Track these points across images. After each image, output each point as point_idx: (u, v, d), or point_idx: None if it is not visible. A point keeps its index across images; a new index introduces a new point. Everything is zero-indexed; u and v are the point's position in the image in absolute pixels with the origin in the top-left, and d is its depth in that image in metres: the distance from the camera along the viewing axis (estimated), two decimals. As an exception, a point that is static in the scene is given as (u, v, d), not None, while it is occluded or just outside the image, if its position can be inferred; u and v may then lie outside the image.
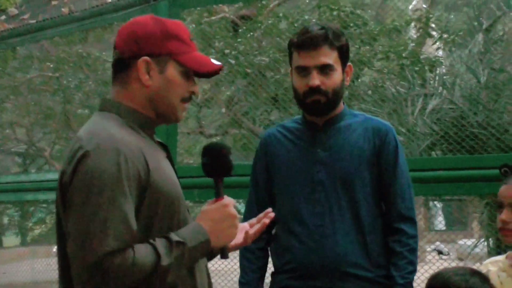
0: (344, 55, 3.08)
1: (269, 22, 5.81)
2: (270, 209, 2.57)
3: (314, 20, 5.85)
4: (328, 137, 3.11)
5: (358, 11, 5.89)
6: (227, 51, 5.54)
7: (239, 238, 2.46)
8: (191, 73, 2.31)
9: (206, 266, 2.36)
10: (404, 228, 3.06)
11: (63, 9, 5.95)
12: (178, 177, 2.33)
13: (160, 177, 2.20)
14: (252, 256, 3.22)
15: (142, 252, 2.09)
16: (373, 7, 7.46)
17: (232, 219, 2.27)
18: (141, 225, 2.14)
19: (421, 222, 12.19)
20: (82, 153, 2.12)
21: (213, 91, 6.07)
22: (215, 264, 7.47)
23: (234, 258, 3.99)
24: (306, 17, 6.14)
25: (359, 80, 5.50)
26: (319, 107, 3.06)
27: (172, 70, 2.29)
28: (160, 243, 2.12)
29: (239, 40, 5.76)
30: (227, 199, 2.30)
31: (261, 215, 2.55)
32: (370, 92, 5.49)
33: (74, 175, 2.12)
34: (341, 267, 3.01)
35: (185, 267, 2.18)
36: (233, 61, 5.30)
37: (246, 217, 3.16)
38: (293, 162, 3.13)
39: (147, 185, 2.16)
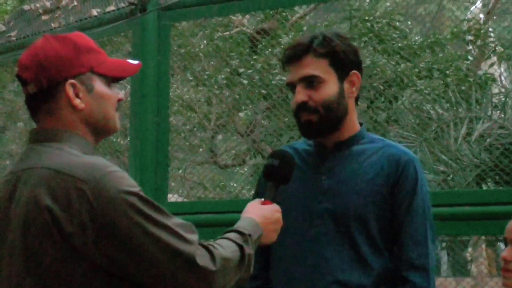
0: (340, 62, 2.68)
1: (291, 36, 5.08)
2: None
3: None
4: (335, 163, 2.73)
5: (397, 23, 5.12)
6: (241, 70, 4.86)
7: None
8: (111, 80, 2.25)
9: None
10: (413, 279, 2.64)
11: (52, 24, 5.34)
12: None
13: None
14: None
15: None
16: (428, 18, 6.62)
17: (279, 225, 2.39)
18: None
19: (482, 266, 11.06)
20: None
21: (227, 115, 5.33)
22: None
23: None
24: (335, 30, 5.32)
25: (398, 102, 4.74)
26: (312, 127, 2.68)
27: (99, 85, 2.23)
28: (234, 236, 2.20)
29: (254, 57, 5.05)
30: (277, 205, 2.40)
31: None
32: (410, 116, 4.77)
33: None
34: None
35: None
36: (245, 81, 4.62)
37: None
38: (294, 191, 2.72)
39: None
